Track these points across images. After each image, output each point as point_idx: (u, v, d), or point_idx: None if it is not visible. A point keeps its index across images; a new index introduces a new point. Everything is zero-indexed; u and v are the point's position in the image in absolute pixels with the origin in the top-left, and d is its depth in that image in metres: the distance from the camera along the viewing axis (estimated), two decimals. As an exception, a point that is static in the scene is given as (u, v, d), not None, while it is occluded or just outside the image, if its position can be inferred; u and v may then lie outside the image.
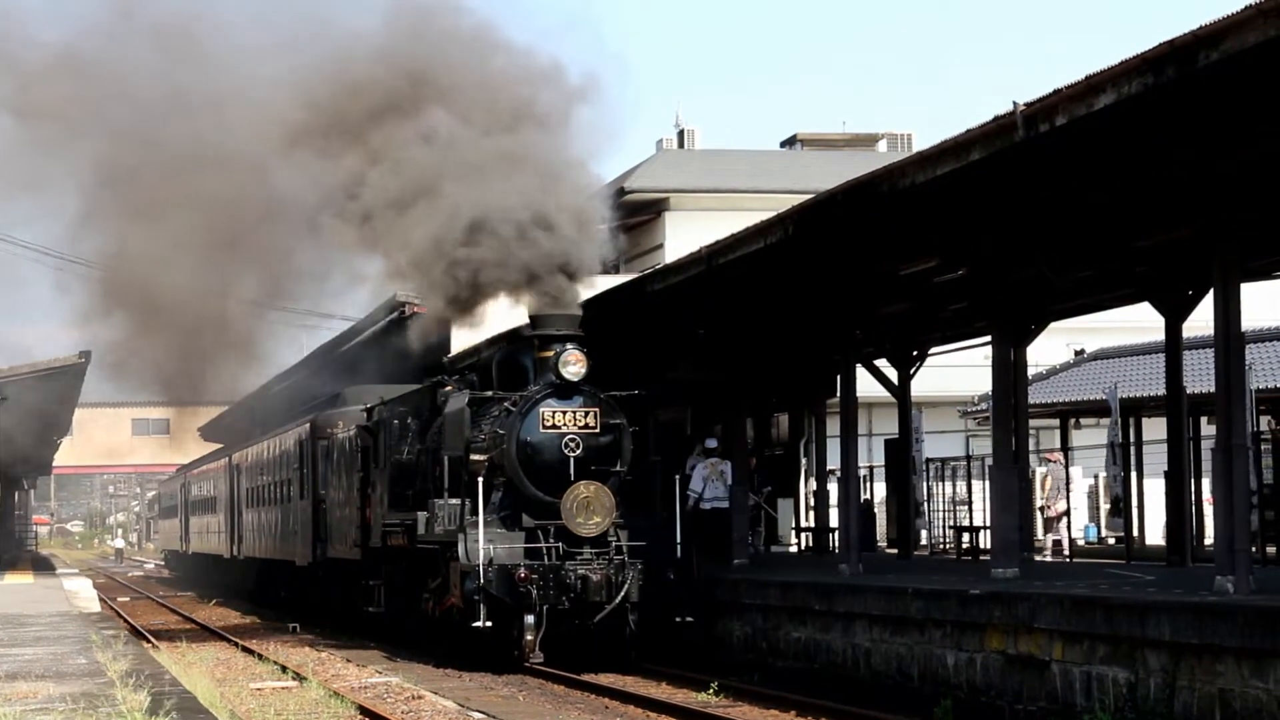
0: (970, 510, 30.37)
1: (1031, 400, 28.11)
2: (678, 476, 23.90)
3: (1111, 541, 32.97)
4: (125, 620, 33.03)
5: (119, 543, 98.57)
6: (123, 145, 26.41)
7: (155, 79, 26.20)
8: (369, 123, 24.30)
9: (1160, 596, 15.36)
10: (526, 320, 23.62)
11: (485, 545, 21.71)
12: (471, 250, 23.07)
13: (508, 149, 23.46)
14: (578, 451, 22.21)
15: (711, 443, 28.22)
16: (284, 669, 22.84)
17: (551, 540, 21.95)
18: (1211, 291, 16.09)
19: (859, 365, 25.21)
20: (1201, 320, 19.58)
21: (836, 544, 27.52)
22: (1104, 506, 35.52)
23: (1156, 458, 25.07)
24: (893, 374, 28.18)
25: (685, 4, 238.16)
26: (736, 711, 18.07)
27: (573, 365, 22.32)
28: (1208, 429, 27.62)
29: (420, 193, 23.53)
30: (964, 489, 31.18)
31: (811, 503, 33.06)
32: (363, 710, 18.08)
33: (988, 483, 22.87)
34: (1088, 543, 34.80)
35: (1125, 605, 15.10)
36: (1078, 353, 37.38)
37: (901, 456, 29.15)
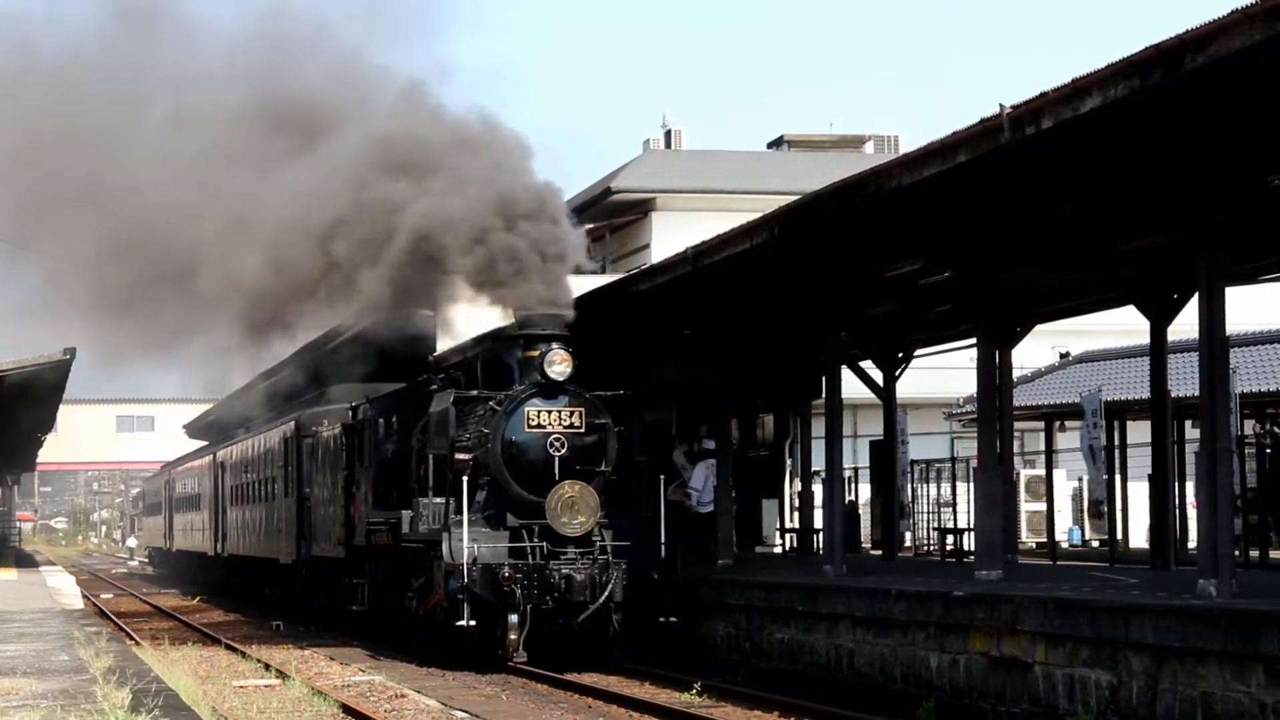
0: (955, 512, 30.42)
1: (1016, 403, 28.13)
2: (663, 476, 23.89)
3: (1095, 544, 33.06)
4: (108, 617, 32.98)
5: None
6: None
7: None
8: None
9: (1143, 599, 15.39)
10: (511, 320, 23.60)
11: (469, 544, 21.70)
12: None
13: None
14: (563, 451, 22.20)
15: (710, 443, 28.23)
16: (267, 667, 22.81)
17: (536, 540, 21.94)
18: (1196, 295, 16.12)
19: (844, 366, 25.24)
20: (1186, 324, 19.62)
21: (821, 545, 27.55)
22: (1084, 509, 35.63)
23: (1141, 461, 25.11)
24: (878, 375, 28.19)
25: (673, 4, 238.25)
26: (719, 712, 18.06)
27: (558, 365, 22.31)
28: (1192, 432, 27.67)
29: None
30: (948, 491, 31.23)
31: (796, 504, 33.08)
32: (345, 708, 18.07)
33: (972, 485, 22.92)
34: (1071, 546, 34.88)
35: (1108, 608, 15.13)
36: (1063, 355, 37.45)
37: (886, 458, 29.17)
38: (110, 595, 46.48)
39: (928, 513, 32.11)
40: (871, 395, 28.51)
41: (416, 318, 30.30)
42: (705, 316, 25.61)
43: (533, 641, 21.66)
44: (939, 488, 31.99)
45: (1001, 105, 15.18)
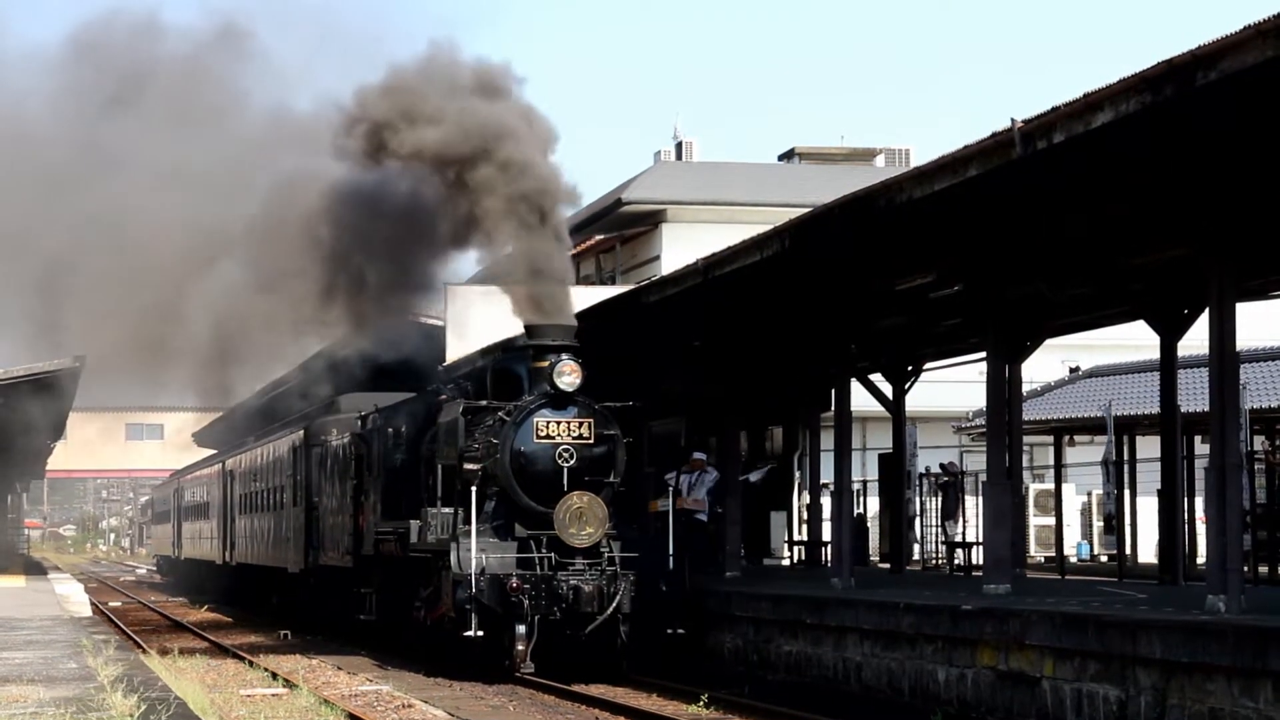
0: (964, 525, 30.38)
1: (1026, 416, 28.14)
2: (670, 488, 23.89)
3: (1104, 559, 33.02)
4: (117, 625, 32.99)
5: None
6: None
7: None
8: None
9: (1152, 615, 15.37)
10: (521, 330, 23.62)
11: (478, 554, 21.69)
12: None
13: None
14: (571, 462, 22.20)
15: (700, 454, 28.28)
16: (274, 676, 22.81)
17: (544, 550, 21.93)
18: (1207, 310, 16.11)
19: (854, 379, 25.22)
20: (1196, 339, 19.61)
21: (829, 558, 27.53)
22: (1097, 524, 35.59)
23: (1150, 476, 25.10)
24: (887, 388, 28.20)
25: (685, 16, 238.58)
26: (727, 724, 18.07)
27: (567, 375, 22.31)
28: (1201, 448, 27.64)
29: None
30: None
31: (804, 516, 33.07)
32: (352, 718, 18.06)
33: (981, 498, 22.89)
34: (1080, 560, 34.85)
35: (1117, 623, 15.11)
36: (1073, 370, 37.42)
37: (895, 471, 29.16)
38: (118, 603, 46.50)
39: (936, 526, 32.07)
40: (881, 408, 28.52)
41: (427, 326, 30.35)
42: (715, 328, 25.60)
43: (540, 652, 21.64)
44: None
45: (1013, 119, 15.17)
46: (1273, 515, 24.77)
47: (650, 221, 47.74)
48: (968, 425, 37.45)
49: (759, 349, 26.66)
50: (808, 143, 57.88)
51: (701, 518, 27.33)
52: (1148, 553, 30.22)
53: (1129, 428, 31.17)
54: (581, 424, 22.36)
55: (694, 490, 27.64)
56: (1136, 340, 28.28)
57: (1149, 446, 28.38)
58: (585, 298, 26.25)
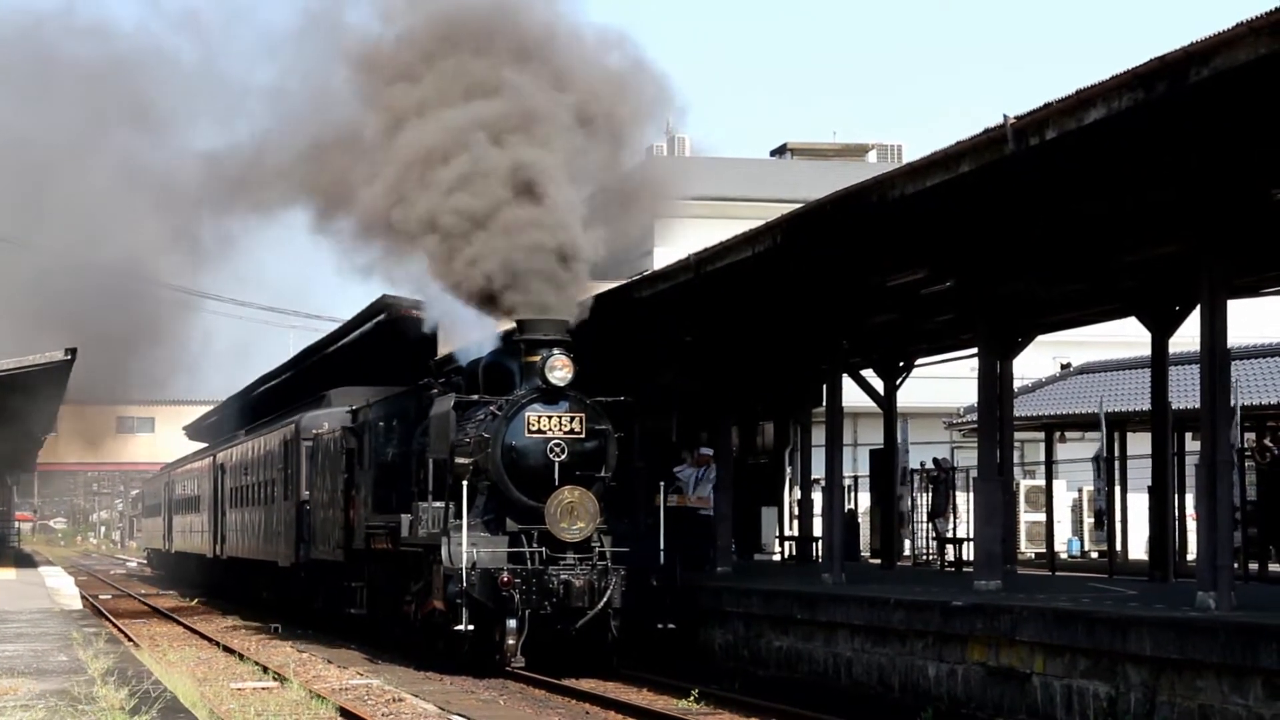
0: (954, 521, 30.40)
1: (1017, 413, 28.15)
2: (662, 483, 23.87)
3: (1095, 555, 33.06)
4: (107, 618, 32.97)
5: None
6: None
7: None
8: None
9: (1142, 611, 15.38)
10: (513, 324, 23.60)
11: (468, 549, 21.69)
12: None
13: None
14: (563, 456, 22.19)
15: (707, 450, 28.29)
16: (265, 669, 22.81)
17: (535, 545, 21.92)
18: (1198, 307, 16.13)
19: (845, 375, 25.23)
20: (1188, 336, 19.63)
21: (820, 553, 27.55)
22: (1088, 520, 35.65)
23: (1141, 472, 25.13)
24: (879, 384, 28.21)
25: (676, 12, 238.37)
26: (716, 719, 18.07)
27: (559, 370, 22.30)
28: (1192, 444, 27.68)
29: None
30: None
31: (796, 512, 33.08)
32: (343, 712, 18.06)
33: (972, 494, 22.91)
34: (1071, 556, 34.89)
35: (1107, 619, 15.13)
36: (1064, 366, 37.45)
37: (886, 467, 29.18)
38: (109, 596, 46.47)
39: (927, 522, 32.11)
40: (872, 404, 28.52)
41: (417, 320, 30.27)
42: (707, 323, 25.61)
43: (531, 647, 21.64)
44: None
45: (1005, 116, 15.18)
46: (1263, 512, 24.79)
47: (642, 216, 47.61)
48: (959, 421, 37.48)
49: (751, 344, 26.67)
50: (800, 138, 57.99)
51: (707, 513, 27.35)
52: (1138, 549, 30.24)
53: (1120, 424, 31.20)
54: (573, 419, 22.36)
55: (699, 487, 27.63)
56: (1128, 337, 28.31)
57: (1140, 443, 28.41)
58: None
